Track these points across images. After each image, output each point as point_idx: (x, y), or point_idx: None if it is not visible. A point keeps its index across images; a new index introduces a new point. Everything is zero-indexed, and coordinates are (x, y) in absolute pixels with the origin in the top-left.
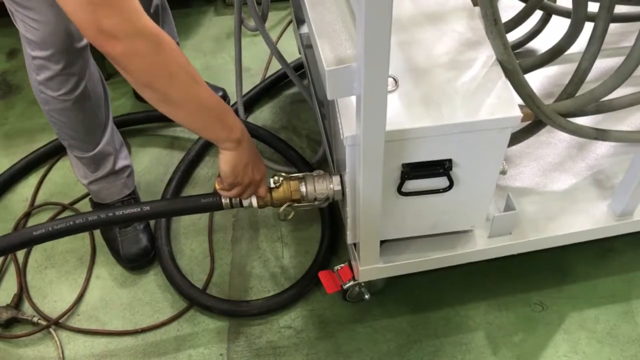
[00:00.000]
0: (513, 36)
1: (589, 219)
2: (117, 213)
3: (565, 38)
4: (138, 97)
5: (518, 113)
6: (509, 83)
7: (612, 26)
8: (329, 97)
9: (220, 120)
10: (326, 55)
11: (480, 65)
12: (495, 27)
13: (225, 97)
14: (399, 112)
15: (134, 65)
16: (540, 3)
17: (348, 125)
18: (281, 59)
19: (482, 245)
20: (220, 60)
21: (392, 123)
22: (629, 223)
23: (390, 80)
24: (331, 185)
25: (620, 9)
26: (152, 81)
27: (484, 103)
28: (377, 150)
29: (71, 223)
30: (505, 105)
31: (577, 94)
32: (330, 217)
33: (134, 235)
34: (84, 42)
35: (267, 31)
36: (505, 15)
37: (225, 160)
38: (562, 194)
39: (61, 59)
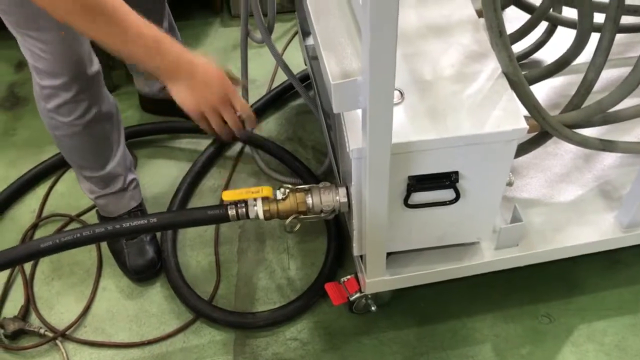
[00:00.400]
0: (518, 47)
1: (596, 231)
2: (124, 225)
3: (571, 50)
4: (145, 108)
5: (524, 125)
6: (514, 95)
7: (618, 36)
8: (335, 111)
9: (154, 46)
10: (332, 68)
11: (485, 77)
12: (501, 39)
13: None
14: (404, 125)
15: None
16: (546, 14)
17: (354, 138)
18: (287, 70)
19: (489, 257)
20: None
21: (398, 136)
22: (637, 235)
23: (396, 92)
24: (337, 197)
25: (626, 19)
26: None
27: (490, 115)
28: (383, 163)
29: (78, 235)
30: (511, 117)
31: (584, 105)
32: (337, 229)
33: (140, 247)
34: (96, 68)
35: (273, 43)
36: (511, 26)
37: (174, 95)
38: (569, 205)
39: (72, 87)
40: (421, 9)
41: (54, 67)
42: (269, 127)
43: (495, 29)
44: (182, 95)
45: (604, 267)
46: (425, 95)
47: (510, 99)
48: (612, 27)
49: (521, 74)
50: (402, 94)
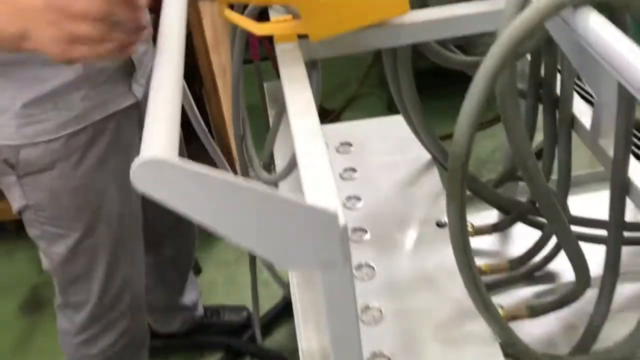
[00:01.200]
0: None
1: None
2: None
3: (574, 290)
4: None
5: None
6: None
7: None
8: None
9: None
10: (305, 345)
11: (478, 340)
12: (487, 313)
13: (249, 318)
14: None
15: None
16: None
17: None
18: (286, 288)
19: None
20: (243, 270)
21: None
22: None
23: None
24: None
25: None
26: None
27: None
28: None
29: None
30: None
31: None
32: None
33: None
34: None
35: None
36: (522, 243)
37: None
38: None
39: (108, 314)
40: (414, 255)
41: (90, 314)
42: (278, 337)
43: (480, 304)
44: (43, 44)
45: None
46: None
47: None
48: (613, 276)
49: (516, 338)
50: None
